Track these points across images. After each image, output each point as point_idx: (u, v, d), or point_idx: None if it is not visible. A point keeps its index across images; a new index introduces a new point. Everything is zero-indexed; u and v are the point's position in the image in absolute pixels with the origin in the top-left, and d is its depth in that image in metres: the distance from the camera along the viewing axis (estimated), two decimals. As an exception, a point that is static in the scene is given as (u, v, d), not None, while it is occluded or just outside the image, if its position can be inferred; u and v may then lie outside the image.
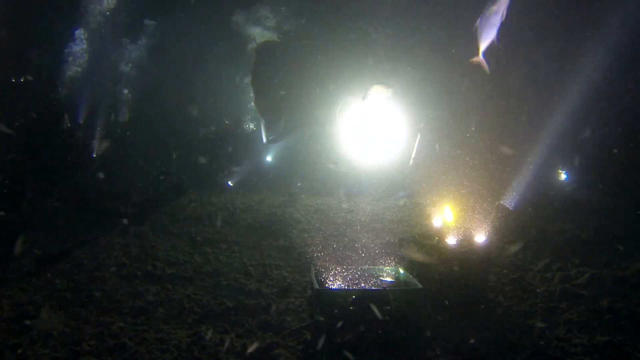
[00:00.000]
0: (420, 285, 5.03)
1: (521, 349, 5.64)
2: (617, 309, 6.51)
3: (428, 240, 7.33)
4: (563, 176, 15.53)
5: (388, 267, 5.82)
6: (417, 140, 14.09)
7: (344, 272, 5.49)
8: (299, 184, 14.96)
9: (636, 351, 5.47)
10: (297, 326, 6.23)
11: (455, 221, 7.51)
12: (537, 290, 7.51)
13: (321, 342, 4.87)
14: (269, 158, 16.70)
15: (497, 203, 10.95)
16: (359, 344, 4.85)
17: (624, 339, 5.75)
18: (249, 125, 17.19)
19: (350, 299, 4.77)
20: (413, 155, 13.89)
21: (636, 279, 7.50)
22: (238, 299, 7.25)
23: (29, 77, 14.67)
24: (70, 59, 16.65)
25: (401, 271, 5.67)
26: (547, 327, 6.20)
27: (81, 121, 14.76)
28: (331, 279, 5.42)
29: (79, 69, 16.52)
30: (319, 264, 5.70)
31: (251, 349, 5.66)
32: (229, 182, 15.14)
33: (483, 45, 7.40)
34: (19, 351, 5.52)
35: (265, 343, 5.81)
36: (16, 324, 6.24)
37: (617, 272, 7.83)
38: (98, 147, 14.00)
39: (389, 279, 5.52)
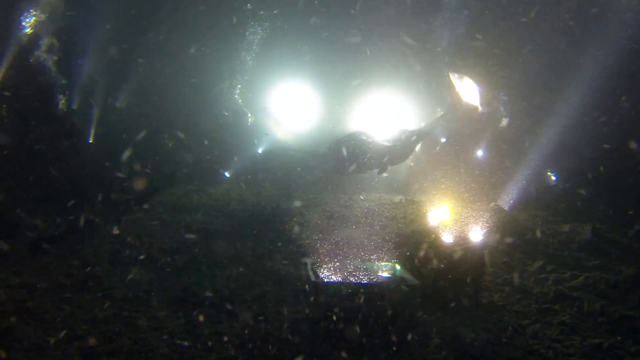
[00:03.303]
0: (416, 281, 5.05)
1: (514, 348, 5.67)
2: (609, 312, 6.58)
3: (424, 238, 7.35)
4: (553, 178, 15.64)
5: (384, 263, 5.83)
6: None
7: (339, 266, 5.49)
8: (295, 179, 14.92)
9: (627, 354, 5.53)
10: (293, 318, 6.24)
11: (452, 220, 7.53)
12: (531, 291, 7.55)
13: (316, 333, 4.88)
14: (260, 150, 16.67)
15: (492, 204, 10.98)
16: (353, 336, 4.86)
17: (615, 341, 5.81)
18: (248, 117, 17.10)
19: (346, 292, 4.78)
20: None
21: (629, 283, 7.58)
22: (233, 289, 7.23)
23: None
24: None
25: (397, 267, 5.68)
26: (541, 328, 6.24)
27: (75, 106, 14.59)
28: (327, 272, 5.42)
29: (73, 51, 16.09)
30: (315, 257, 5.71)
31: (246, 339, 5.66)
32: (226, 173, 15.07)
33: None
34: (13, 333, 5.48)
35: (261, 334, 5.81)
36: (10, 306, 6.20)
37: (610, 276, 7.90)
38: (94, 133, 13.90)
39: (385, 274, 5.52)
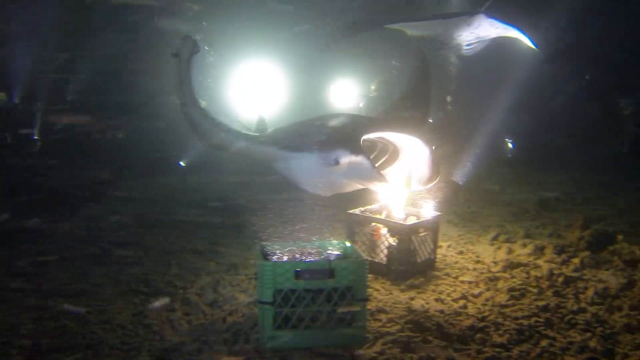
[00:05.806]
0: (365, 257, 5.09)
1: (466, 317, 5.79)
2: (555, 275, 6.83)
3: (375, 214, 7.41)
4: (510, 145, 16.07)
5: (334, 240, 5.86)
6: None
7: (289, 247, 5.48)
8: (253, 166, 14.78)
9: (569, 312, 5.78)
10: (246, 301, 6.21)
11: (403, 197, 7.54)
12: (484, 261, 7.74)
13: (268, 314, 4.86)
14: None
15: (447, 178, 11.15)
16: (304, 315, 4.86)
17: (560, 302, 6.05)
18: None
19: (294, 271, 4.77)
20: None
21: (573, 247, 7.90)
22: (187, 278, 7.14)
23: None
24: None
25: (347, 244, 5.70)
26: (492, 295, 6.40)
27: (16, 99, 13.91)
28: (276, 253, 5.40)
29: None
30: (264, 240, 5.70)
31: (197, 324, 5.61)
32: (180, 162, 14.85)
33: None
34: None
35: (213, 318, 5.77)
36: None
37: (558, 241, 8.23)
38: (40, 126, 13.42)
39: (334, 252, 5.54)
